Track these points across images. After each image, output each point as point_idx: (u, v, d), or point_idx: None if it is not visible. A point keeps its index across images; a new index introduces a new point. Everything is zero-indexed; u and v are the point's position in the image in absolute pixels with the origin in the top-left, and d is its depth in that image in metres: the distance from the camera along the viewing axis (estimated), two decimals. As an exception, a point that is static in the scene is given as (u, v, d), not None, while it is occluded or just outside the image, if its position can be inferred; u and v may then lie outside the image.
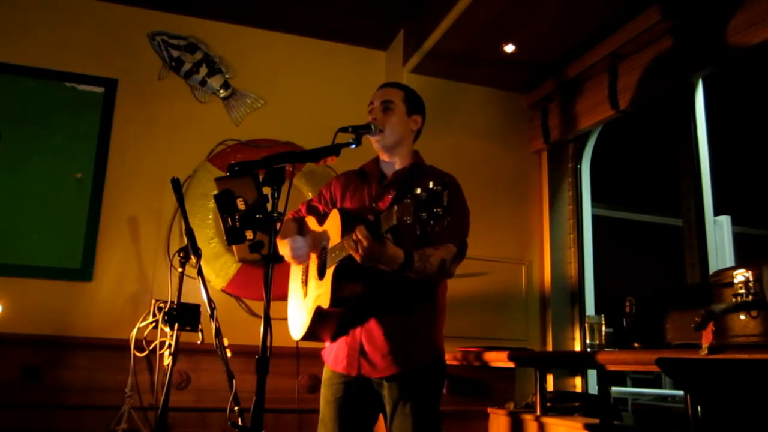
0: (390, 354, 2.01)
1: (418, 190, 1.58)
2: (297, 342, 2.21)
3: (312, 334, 2.14)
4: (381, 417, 2.12)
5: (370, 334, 2.04)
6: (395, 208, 1.65)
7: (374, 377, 2.05)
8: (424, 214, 1.57)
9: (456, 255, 2.03)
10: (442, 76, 3.78)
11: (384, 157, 2.23)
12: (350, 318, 2.08)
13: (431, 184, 1.57)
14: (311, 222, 2.29)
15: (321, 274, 2.07)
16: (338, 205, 2.24)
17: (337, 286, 1.94)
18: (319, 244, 2.18)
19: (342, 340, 2.10)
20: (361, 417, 2.11)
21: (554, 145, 3.82)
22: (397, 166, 2.20)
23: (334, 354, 2.13)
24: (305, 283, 2.22)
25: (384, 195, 2.14)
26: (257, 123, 3.73)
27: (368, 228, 1.77)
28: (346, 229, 1.93)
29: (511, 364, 2.99)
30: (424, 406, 2.01)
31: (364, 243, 1.77)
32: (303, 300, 2.20)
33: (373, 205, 2.14)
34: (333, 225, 2.07)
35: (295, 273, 2.34)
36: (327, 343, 2.21)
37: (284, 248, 2.19)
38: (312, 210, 2.34)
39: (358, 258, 1.81)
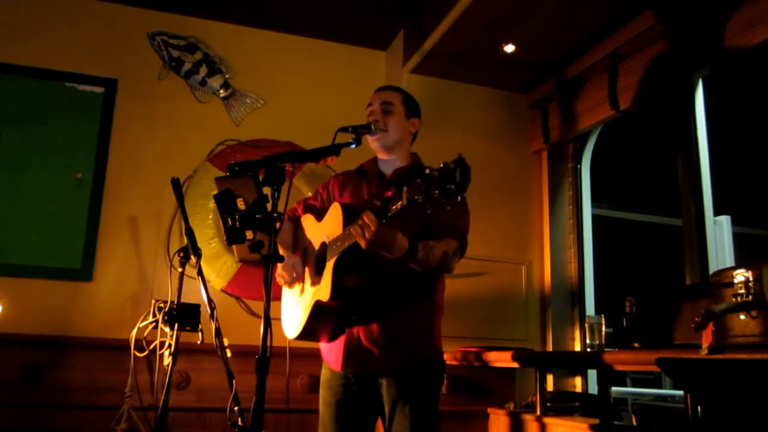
0: (389, 350, 2.01)
1: (427, 170, 1.54)
2: (288, 342, 2.19)
3: (308, 332, 2.10)
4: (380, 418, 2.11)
5: (370, 330, 2.03)
6: (405, 188, 1.61)
7: (373, 374, 2.04)
8: (435, 192, 1.51)
9: (457, 250, 2.03)
10: (442, 76, 3.78)
11: (383, 156, 2.23)
12: (349, 315, 2.06)
13: (442, 162, 1.53)
14: (308, 220, 2.26)
15: (319, 269, 2.06)
16: None
17: (338, 277, 1.91)
18: (311, 252, 2.16)
19: (341, 338, 2.08)
20: (361, 418, 2.10)
21: (554, 145, 3.82)
22: (397, 165, 2.20)
23: (334, 352, 2.11)
24: (301, 279, 2.21)
25: (384, 192, 2.13)
26: (257, 123, 3.73)
27: (375, 213, 1.74)
28: (348, 221, 1.91)
29: (511, 364, 2.99)
30: (423, 407, 2.01)
31: (372, 227, 1.73)
32: (299, 297, 2.18)
33: (373, 201, 2.13)
34: (334, 218, 2.04)
35: None
36: (323, 344, 2.19)
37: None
38: (309, 208, 2.32)
39: (363, 243, 1.76)
